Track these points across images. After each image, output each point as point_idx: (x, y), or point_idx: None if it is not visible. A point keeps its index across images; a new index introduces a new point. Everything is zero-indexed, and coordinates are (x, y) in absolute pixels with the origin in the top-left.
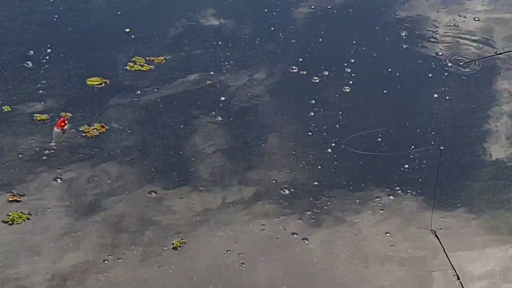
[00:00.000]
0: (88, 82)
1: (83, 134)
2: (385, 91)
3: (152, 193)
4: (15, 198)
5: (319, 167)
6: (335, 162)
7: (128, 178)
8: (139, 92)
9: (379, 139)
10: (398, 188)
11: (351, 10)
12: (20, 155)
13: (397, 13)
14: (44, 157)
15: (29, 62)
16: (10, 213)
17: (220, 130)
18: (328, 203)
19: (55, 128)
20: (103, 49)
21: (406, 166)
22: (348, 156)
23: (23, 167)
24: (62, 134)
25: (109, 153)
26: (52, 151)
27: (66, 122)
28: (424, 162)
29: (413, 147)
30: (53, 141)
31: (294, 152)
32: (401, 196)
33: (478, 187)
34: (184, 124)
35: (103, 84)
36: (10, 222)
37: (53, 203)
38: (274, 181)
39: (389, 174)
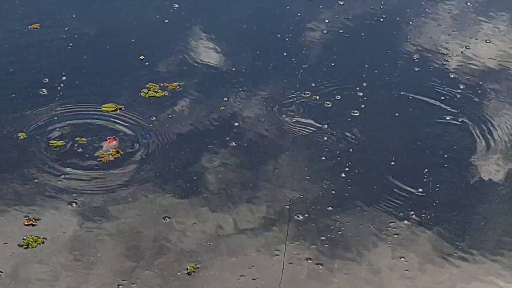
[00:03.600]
0: (103, 109)
1: (98, 160)
2: (397, 114)
3: (167, 218)
4: (30, 222)
5: (333, 192)
6: (349, 187)
7: (143, 203)
8: (154, 118)
9: (392, 163)
10: (412, 213)
11: (363, 34)
12: (35, 180)
13: (408, 36)
14: (60, 182)
15: (44, 89)
16: (25, 237)
17: (234, 156)
18: (343, 228)
19: (105, 145)
20: (117, 76)
21: (420, 190)
22: (361, 181)
23: (39, 192)
24: (111, 150)
25: (124, 179)
26: (67, 175)
27: (117, 140)
28: (438, 185)
29: (426, 170)
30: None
31: (308, 177)
32: (416, 221)
33: (492, 209)
34: (199, 150)
35: (118, 110)
36: (25, 246)
37: (68, 227)
38: (287, 206)
39: (404, 198)
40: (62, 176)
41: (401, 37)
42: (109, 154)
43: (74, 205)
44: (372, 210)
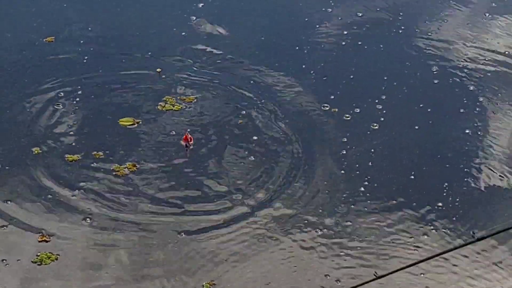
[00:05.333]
0: (120, 123)
1: (114, 173)
2: (416, 127)
3: (182, 234)
4: (44, 238)
5: (352, 206)
6: (368, 201)
7: (158, 218)
8: (173, 132)
9: (412, 176)
10: (432, 227)
11: (381, 46)
12: (49, 196)
13: (427, 48)
14: (74, 197)
15: (59, 103)
16: (39, 253)
17: (252, 169)
18: (361, 243)
19: (182, 140)
20: (134, 89)
21: (440, 204)
22: (380, 195)
23: (52, 208)
24: (186, 148)
25: (140, 193)
26: (81, 190)
27: (190, 137)
28: (458, 199)
29: (446, 183)
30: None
31: (327, 191)
32: (435, 235)
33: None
34: (217, 163)
35: (136, 124)
36: (39, 262)
37: (82, 243)
38: (306, 221)
39: (422, 212)
40: (77, 191)
41: (420, 49)
42: (124, 168)
43: (88, 221)
44: (391, 225)
